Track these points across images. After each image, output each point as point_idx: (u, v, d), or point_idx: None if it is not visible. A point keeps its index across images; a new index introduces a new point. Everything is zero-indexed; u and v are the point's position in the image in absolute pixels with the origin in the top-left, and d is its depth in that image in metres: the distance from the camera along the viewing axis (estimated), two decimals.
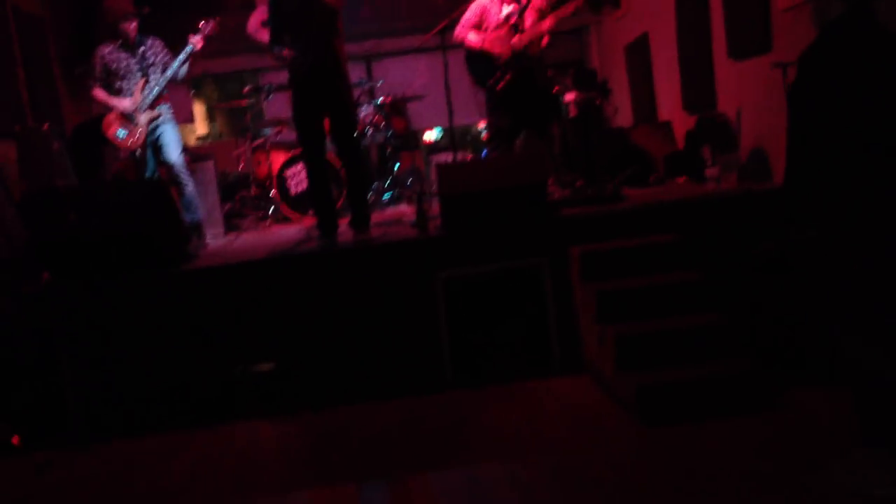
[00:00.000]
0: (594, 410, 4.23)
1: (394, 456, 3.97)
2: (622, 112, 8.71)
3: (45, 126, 6.49)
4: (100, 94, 5.81)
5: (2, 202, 5.63)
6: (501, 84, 5.85)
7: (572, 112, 8.04)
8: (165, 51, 5.86)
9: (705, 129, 6.23)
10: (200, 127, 11.93)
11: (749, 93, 5.94)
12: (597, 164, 6.47)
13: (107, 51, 5.77)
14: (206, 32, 5.75)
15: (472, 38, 5.92)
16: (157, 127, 5.82)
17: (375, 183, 7.47)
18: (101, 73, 5.77)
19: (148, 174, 5.90)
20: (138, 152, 5.87)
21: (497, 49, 5.86)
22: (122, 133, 5.75)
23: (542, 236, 4.98)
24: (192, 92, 10.12)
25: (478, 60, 5.94)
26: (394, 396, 4.73)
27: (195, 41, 5.70)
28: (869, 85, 4.11)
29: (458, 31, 5.94)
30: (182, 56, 5.73)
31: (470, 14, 5.95)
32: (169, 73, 5.74)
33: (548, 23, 5.81)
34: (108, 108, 5.80)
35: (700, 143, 6.17)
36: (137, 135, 5.76)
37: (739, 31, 6.02)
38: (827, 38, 4.24)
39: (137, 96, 5.74)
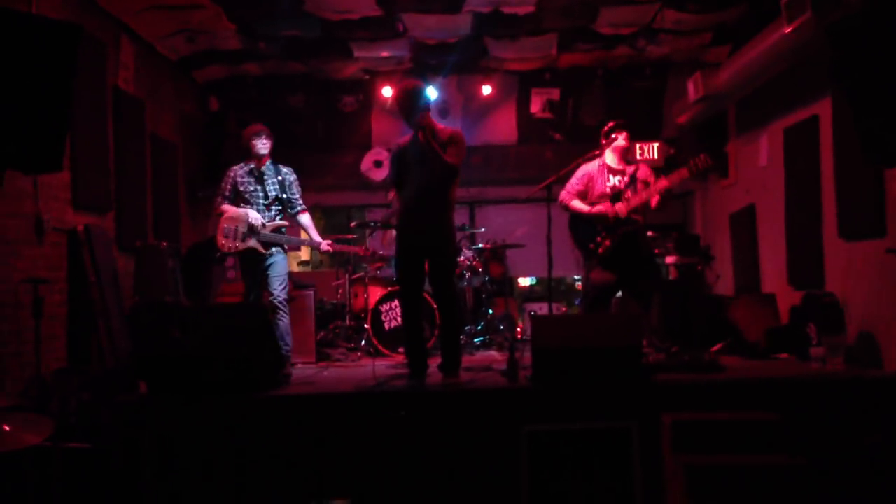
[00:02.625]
0: None
1: None
2: (724, 281, 8.58)
3: (164, 244, 6.88)
4: (225, 206, 5.81)
5: (114, 312, 5.92)
6: (601, 250, 5.93)
7: (672, 275, 8.00)
8: (291, 183, 5.95)
9: (811, 307, 6.05)
10: (304, 253, 12.39)
11: (860, 275, 5.79)
12: (694, 331, 6.34)
13: (238, 171, 5.87)
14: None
15: (578, 204, 6.03)
16: (271, 256, 5.80)
17: (468, 326, 7.51)
18: (230, 192, 5.84)
19: (251, 299, 6.01)
20: (229, 259, 5.97)
21: (600, 219, 5.97)
22: (228, 229, 5.71)
23: (634, 399, 4.85)
24: None
25: (580, 224, 6.07)
26: None
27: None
28: None
29: (564, 195, 6.06)
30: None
31: (577, 181, 6.08)
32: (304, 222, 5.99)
33: (663, 183, 5.86)
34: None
35: (805, 320, 5.99)
36: (237, 245, 5.71)
37: (851, 213, 5.94)
38: None
39: (263, 217, 5.79)
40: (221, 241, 5.74)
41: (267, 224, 5.79)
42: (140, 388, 5.12)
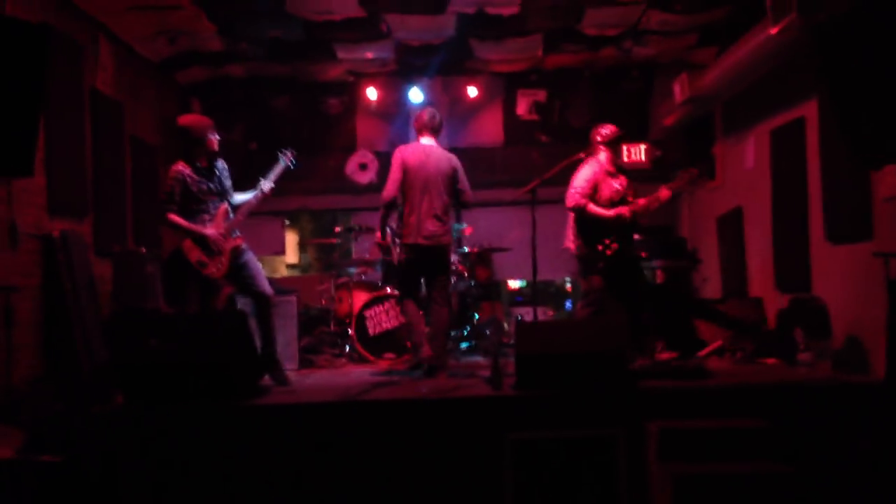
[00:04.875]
0: None
1: None
2: (711, 283, 8.53)
3: (143, 249, 6.76)
4: (177, 218, 5.40)
5: (90, 320, 5.80)
6: (609, 251, 5.88)
7: (659, 279, 7.94)
8: (228, 173, 5.66)
9: (798, 311, 6.01)
10: (291, 257, 12.26)
11: (847, 279, 5.74)
12: (686, 337, 6.28)
13: (186, 171, 5.41)
14: (285, 162, 5.67)
15: (595, 207, 5.96)
16: (242, 254, 5.53)
17: (454, 331, 7.41)
18: (179, 196, 5.40)
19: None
20: (221, 281, 5.72)
21: (615, 221, 5.97)
22: (203, 262, 5.42)
23: (619, 406, 4.77)
24: (287, 223, 10.46)
25: (589, 225, 5.98)
26: None
27: (278, 170, 5.64)
28: None
29: (578, 198, 5.93)
30: (263, 186, 5.60)
31: (585, 184, 5.96)
32: (243, 198, 5.62)
33: (665, 193, 5.99)
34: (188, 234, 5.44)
35: (792, 324, 5.94)
36: (221, 262, 5.44)
37: (838, 216, 5.89)
38: None
39: (220, 223, 5.47)
40: (212, 272, 5.43)
41: (222, 223, 5.48)
42: (116, 398, 5.00)
